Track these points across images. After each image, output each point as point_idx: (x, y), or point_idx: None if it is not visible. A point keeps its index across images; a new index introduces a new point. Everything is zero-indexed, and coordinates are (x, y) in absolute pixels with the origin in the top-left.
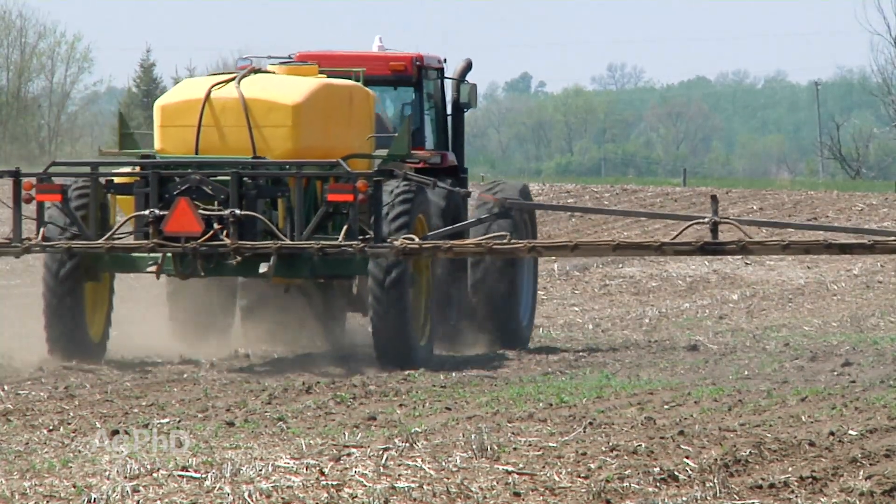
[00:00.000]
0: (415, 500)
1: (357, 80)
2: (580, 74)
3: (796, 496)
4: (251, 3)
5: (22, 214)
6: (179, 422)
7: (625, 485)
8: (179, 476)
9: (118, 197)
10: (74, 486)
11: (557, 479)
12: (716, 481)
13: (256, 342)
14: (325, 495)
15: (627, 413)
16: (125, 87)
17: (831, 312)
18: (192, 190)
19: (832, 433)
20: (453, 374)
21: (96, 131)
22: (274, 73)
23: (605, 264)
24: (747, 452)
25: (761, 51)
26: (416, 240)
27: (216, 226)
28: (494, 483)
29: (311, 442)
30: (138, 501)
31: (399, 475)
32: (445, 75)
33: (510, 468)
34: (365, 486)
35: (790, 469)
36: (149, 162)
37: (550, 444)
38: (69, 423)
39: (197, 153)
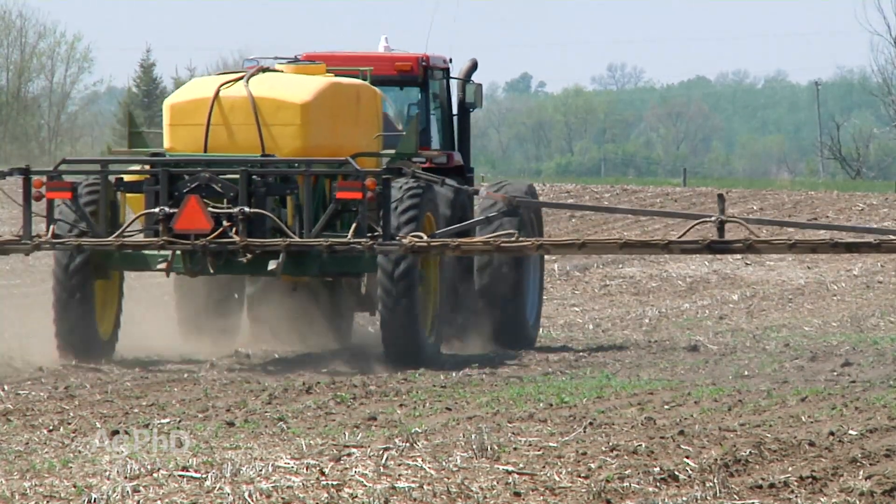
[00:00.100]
0: (415, 500)
1: (365, 80)
2: (580, 74)
3: (796, 496)
4: (251, 3)
5: (32, 212)
6: (180, 422)
7: (625, 485)
8: (179, 476)
9: (127, 196)
10: (74, 486)
11: (557, 479)
12: (716, 481)
13: (264, 342)
14: (326, 495)
15: (627, 413)
16: (125, 87)
17: (831, 312)
18: (201, 188)
19: (832, 433)
20: (453, 374)
21: (96, 131)
22: (282, 72)
23: (605, 264)
24: (747, 452)
25: (761, 51)
26: (425, 237)
27: (225, 223)
28: (495, 483)
29: (312, 442)
30: (138, 501)
31: (399, 475)
32: (451, 75)
33: (510, 468)
34: (365, 486)
35: (790, 469)
36: (159, 160)
37: (551, 444)
38: (69, 423)
39: (206, 151)
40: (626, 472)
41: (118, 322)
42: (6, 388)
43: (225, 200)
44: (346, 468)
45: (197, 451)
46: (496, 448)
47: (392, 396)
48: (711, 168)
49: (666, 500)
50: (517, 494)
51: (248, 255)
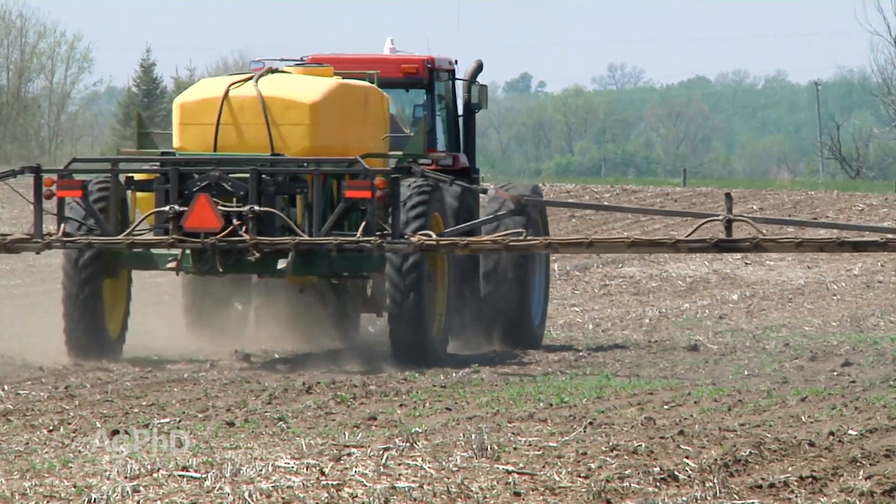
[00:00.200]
0: (415, 500)
1: (372, 82)
2: (580, 74)
3: (796, 496)
4: (251, 3)
5: (43, 210)
6: (179, 422)
7: (625, 485)
8: (179, 476)
9: (137, 196)
10: (74, 486)
11: (557, 478)
12: (716, 481)
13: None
14: (326, 495)
15: (627, 413)
16: (125, 87)
17: (831, 312)
18: (211, 186)
19: (832, 433)
20: (453, 374)
21: (96, 131)
22: (290, 73)
23: (604, 264)
24: (747, 452)
25: (761, 51)
26: (434, 236)
27: (235, 222)
28: (495, 483)
29: (312, 442)
30: (138, 501)
31: (399, 475)
32: (456, 77)
33: (510, 468)
34: (365, 486)
35: (790, 469)
36: (169, 159)
37: (550, 444)
38: (69, 423)
39: (215, 151)
40: (626, 472)
41: (126, 321)
42: (6, 388)
43: (235, 199)
44: (346, 468)
45: (197, 451)
46: (496, 448)
47: (392, 396)
48: (711, 168)
49: (666, 500)
50: (517, 494)
51: (257, 254)
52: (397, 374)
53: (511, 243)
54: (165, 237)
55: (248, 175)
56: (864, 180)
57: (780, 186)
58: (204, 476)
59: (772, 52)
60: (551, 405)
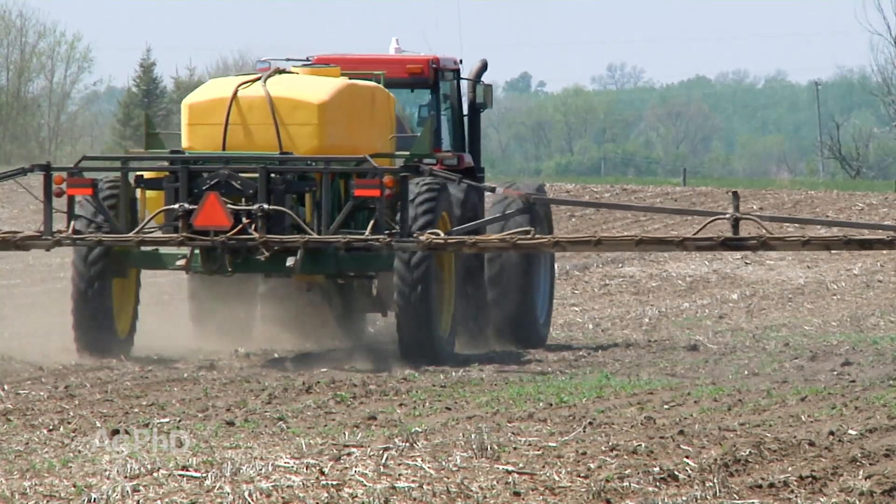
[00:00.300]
0: (415, 499)
1: (378, 83)
2: (580, 74)
3: (796, 496)
4: (251, 3)
5: (53, 208)
6: (179, 421)
7: (625, 484)
8: (179, 476)
9: (146, 195)
10: (74, 486)
11: (557, 478)
12: (716, 481)
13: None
14: (325, 495)
15: (627, 413)
16: (125, 87)
17: (831, 312)
18: (221, 185)
19: (832, 433)
20: (453, 374)
21: (96, 131)
22: (298, 73)
23: (604, 264)
24: (747, 452)
25: (761, 51)
26: (442, 234)
27: (245, 220)
28: (494, 483)
29: (311, 441)
30: (138, 501)
31: (399, 475)
32: (461, 76)
33: (510, 468)
34: (365, 485)
35: (790, 469)
36: (179, 157)
37: (550, 444)
38: (69, 423)
39: (224, 150)
40: (626, 472)
41: (134, 323)
42: (6, 387)
43: (244, 198)
44: (346, 468)
45: (197, 450)
46: (496, 448)
47: (392, 396)
48: (711, 168)
49: (666, 500)
50: (517, 494)
51: (266, 253)
52: (397, 374)
53: (519, 242)
54: (175, 235)
55: (257, 174)
56: (864, 180)
57: (780, 186)
58: (204, 475)
59: (772, 52)
60: (551, 405)
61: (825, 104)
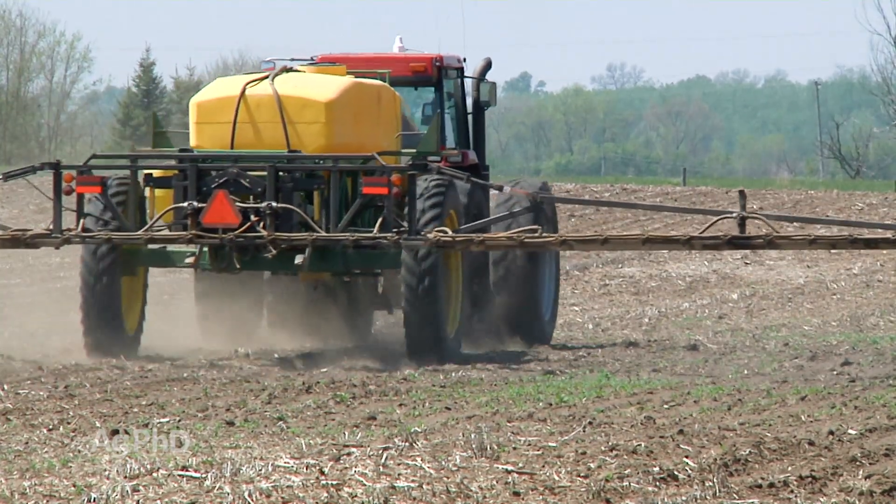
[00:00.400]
0: (415, 499)
1: (384, 81)
2: (580, 74)
3: (796, 496)
4: (251, 3)
5: (62, 206)
6: (179, 421)
7: (624, 484)
8: (179, 476)
9: (155, 193)
10: (74, 486)
11: (557, 478)
12: (715, 481)
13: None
14: (325, 495)
15: (627, 413)
16: (125, 87)
17: (831, 312)
18: (229, 183)
19: (832, 432)
20: (453, 374)
21: (96, 131)
22: (304, 72)
23: (604, 264)
24: (747, 452)
25: (761, 51)
26: (450, 232)
27: (253, 218)
28: (494, 482)
29: (311, 441)
30: (138, 501)
31: (399, 475)
32: (465, 74)
33: (510, 468)
34: (365, 485)
35: (790, 468)
36: (188, 155)
37: (550, 444)
38: (69, 423)
39: (232, 149)
40: (626, 472)
41: (142, 322)
42: (6, 387)
43: (252, 196)
44: (346, 468)
45: (197, 450)
46: (496, 447)
47: (392, 396)
48: (711, 167)
49: (665, 500)
50: (517, 494)
51: (275, 250)
52: (397, 374)
53: (526, 240)
54: (184, 233)
55: (265, 172)
56: (863, 179)
57: (779, 186)
58: (204, 476)
59: (772, 52)
60: (551, 405)
61: (825, 104)
